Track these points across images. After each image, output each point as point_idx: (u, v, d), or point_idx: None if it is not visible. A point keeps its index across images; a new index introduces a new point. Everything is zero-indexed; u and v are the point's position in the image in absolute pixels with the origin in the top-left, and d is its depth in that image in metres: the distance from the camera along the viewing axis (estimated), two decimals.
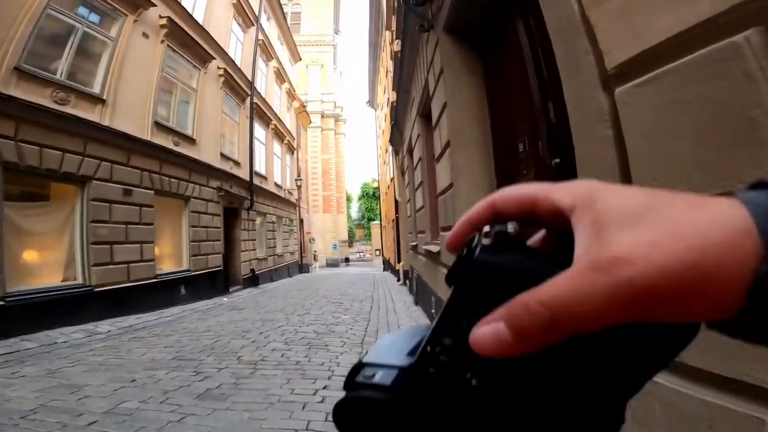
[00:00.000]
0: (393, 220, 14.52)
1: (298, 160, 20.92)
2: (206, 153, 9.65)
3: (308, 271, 20.17)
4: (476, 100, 3.30)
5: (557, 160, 1.97)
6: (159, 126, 7.92)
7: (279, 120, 16.67)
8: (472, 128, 3.24)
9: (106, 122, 6.59)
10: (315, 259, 24.63)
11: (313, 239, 25.25)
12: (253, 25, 14.02)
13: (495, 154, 3.03)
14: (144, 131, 7.44)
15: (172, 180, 8.22)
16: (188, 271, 8.67)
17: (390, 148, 12.79)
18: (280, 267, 15.55)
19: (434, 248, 5.04)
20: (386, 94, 13.90)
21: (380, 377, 0.19)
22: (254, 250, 12.84)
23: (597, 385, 0.17)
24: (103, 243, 6.41)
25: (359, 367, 0.20)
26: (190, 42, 9.30)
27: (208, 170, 9.71)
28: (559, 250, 0.18)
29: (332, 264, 28.78)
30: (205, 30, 10.06)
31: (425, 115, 6.19)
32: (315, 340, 4.81)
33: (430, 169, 6.05)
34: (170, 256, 8.42)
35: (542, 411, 0.17)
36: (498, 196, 0.20)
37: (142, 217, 7.21)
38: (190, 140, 9.09)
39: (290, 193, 18.43)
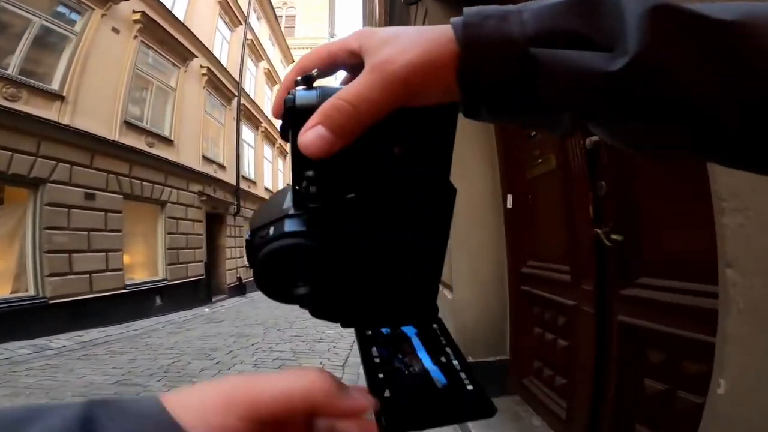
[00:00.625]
0: None
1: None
2: (186, 155, 9.06)
3: None
4: None
5: (594, 138, 1.36)
6: (130, 126, 7.34)
7: (270, 123, 16.12)
8: None
9: (65, 120, 6.01)
10: None
11: None
12: (241, 24, 13.50)
13: (498, 135, 2.46)
14: (111, 131, 6.85)
15: (145, 183, 7.62)
16: (164, 280, 8.04)
17: None
18: None
19: None
20: None
21: (274, 231, 0.22)
22: (241, 257, 12.19)
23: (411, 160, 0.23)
24: (60, 251, 5.80)
25: (251, 235, 0.23)
26: (167, 39, 8.76)
27: (187, 173, 9.12)
28: None
29: None
30: (185, 27, 9.52)
31: None
32: (290, 361, 4.18)
33: None
34: (143, 264, 7.80)
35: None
36: (303, 60, 0.26)
37: (108, 224, 6.60)
38: (167, 141, 8.51)
39: None
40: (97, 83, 6.71)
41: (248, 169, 13.77)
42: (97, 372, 3.92)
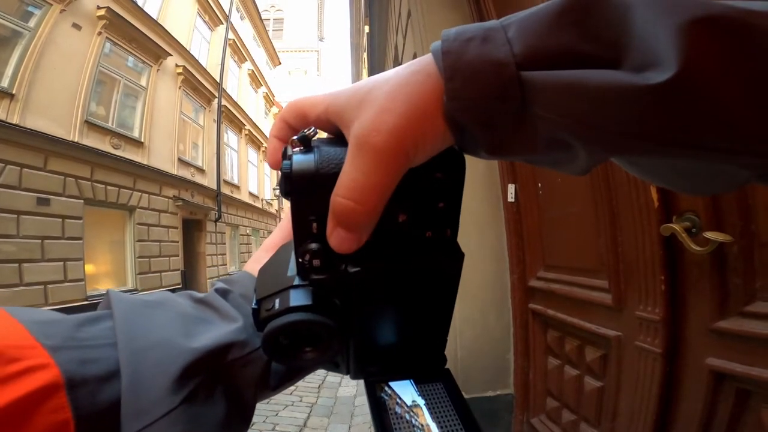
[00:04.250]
0: None
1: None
2: (158, 158, 8.48)
3: None
4: None
5: None
6: (92, 126, 6.76)
7: (254, 125, 15.58)
8: None
9: (14, 119, 5.43)
10: None
11: None
12: (222, 23, 12.99)
13: None
14: (69, 131, 6.27)
15: (110, 187, 7.02)
16: (134, 290, 7.41)
17: None
18: None
19: None
20: None
21: (280, 304, 0.22)
22: (224, 265, 11.60)
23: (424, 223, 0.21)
24: (7, 261, 5.19)
25: (257, 305, 0.23)
26: (137, 35, 8.21)
27: (160, 177, 8.52)
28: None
29: None
30: (158, 24, 8.99)
31: None
32: None
33: None
34: (109, 274, 7.18)
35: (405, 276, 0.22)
36: (285, 110, 0.25)
37: (65, 231, 6.00)
38: (136, 143, 7.92)
39: (269, 203, 17.25)
40: (54, 81, 6.15)
41: (231, 173, 13.19)
42: None
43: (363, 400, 3.13)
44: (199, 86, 11.01)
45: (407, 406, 0.22)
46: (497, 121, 0.18)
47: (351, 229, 0.19)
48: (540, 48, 0.17)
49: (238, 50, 14.38)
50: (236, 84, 14.38)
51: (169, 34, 9.41)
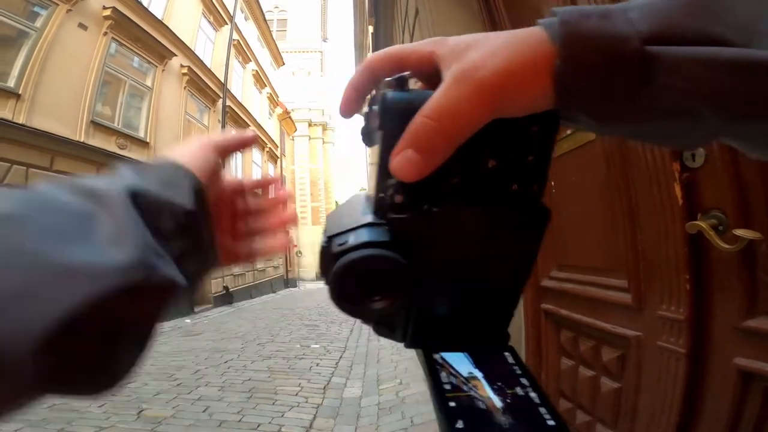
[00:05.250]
0: None
1: (282, 169, 19.83)
2: None
3: (296, 286, 18.91)
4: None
5: None
6: (98, 126, 6.81)
7: (258, 126, 15.62)
8: None
9: (20, 120, 5.47)
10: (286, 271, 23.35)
11: (300, 252, 24.10)
12: (227, 24, 13.04)
13: None
14: (75, 131, 6.31)
15: None
16: None
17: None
18: (261, 282, 14.31)
19: None
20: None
21: (355, 238, 0.20)
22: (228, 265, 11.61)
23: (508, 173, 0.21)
24: None
25: (327, 242, 0.21)
26: (143, 36, 8.27)
27: None
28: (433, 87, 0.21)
29: (321, 278, 27.35)
30: (163, 24, 9.04)
31: None
32: (264, 383, 3.63)
33: None
34: None
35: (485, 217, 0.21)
36: (371, 59, 0.23)
37: None
38: (142, 143, 7.97)
39: None
40: (60, 81, 6.20)
41: (235, 173, 13.20)
42: None
43: (369, 401, 3.11)
44: (204, 87, 11.06)
45: (464, 377, 0.21)
46: (613, 90, 0.18)
47: (422, 150, 0.19)
48: (666, 28, 0.18)
49: (242, 51, 14.44)
50: (240, 84, 14.43)
51: (174, 34, 9.45)
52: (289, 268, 19.56)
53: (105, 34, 7.42)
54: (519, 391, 0.20)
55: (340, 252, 0.20)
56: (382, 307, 0.21)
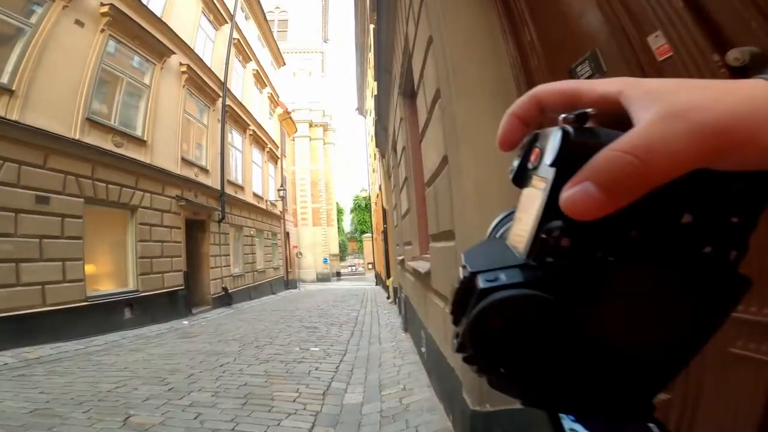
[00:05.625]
0: (382, 232, 13.26)
1: (282, 170, 19.69)
2: (161, 157, 8.38)
3: (296, 288, 18.74)
4: (481, 23, 2.03)
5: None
6: (93, 123, 6.67)
7: (259, 126, 15.48)
8: (475, 64, 1.89)
9: (13, 116, 5.33)
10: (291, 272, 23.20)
11: (301, 253, 23.93)
12: (227, 22, 12.93)
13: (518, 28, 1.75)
14: (70, 128, 6.17)
15: (111, 186, 6.91)
16: (135, 291, 7.29)
17: (377, 153, 11.62)
18: (261, 284, 14.15)
19: (422, 267, 3.34)
20: (373, 96, 12.84)
21: (507, 277, 0.18)
22: (228, 266, 11.47)
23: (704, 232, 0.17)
24: (5, 261, 5.07)
25: (472, 276, 0.18)
26: (141, 33, 8.14)
27: (163, 176, 8.42)
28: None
29: (323, 279, 27.27)
30: (162, 22, 8.92)
31: (408, 91, 4.98)
32: (259, 388, 3.47)
33: (415, 157, 4.79)
34: (110, 274, 7.07)
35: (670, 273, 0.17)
36: (539, 90, 0.20)
37: (65, 230, 5.88)
38: (139, 141, 7.83)
39: (273, 204, 17.13)
40: (55, 78, 6.08)
41: (235, 173, 13.08)
42: (18, 398, 3.20)
43: (371, 408, 2.94)
44: (204, 85, 10.93)
45: None
46: None
47: (606, 185, 0.15)
48: None
49: (242, 50, 14.32)
50: (241, 84, 14.30)
51: (173, 32, 9.34)
52: (289, 269, 19.38)
53: (102, 31, 7.30)
54: None
55: (490, 288, 0.18)
56: (517, 356, 0.18)
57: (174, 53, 9.36)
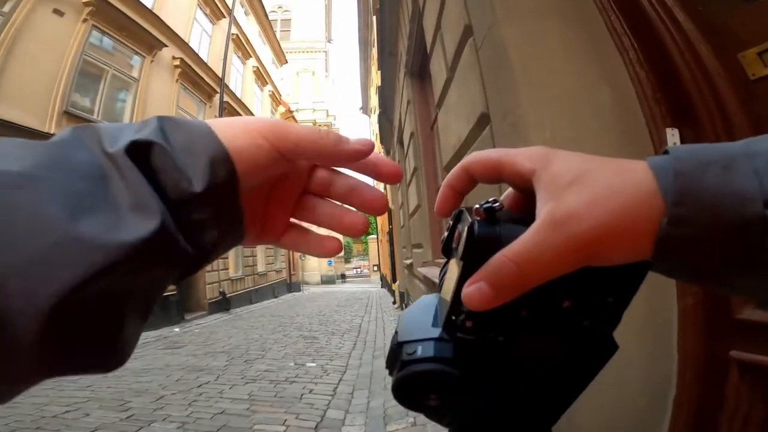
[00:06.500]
0: (387, 233, 12.66)
1: None
2: None
3: (299, 290, 18.18)
4: None
5: None
6: (72, 117, 6.14)
7: None
8: None
9: None
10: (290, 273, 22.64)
11: (304, 256, 23.38)
12: (224, 17, 12.44)
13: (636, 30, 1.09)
14: (44, 122, 5.64)
15: None
16: None
17: (382, 151, 11.04)
18: (262, 287, 13.60)
19: (437, 276, 2.74)
20: (377, 91, 12.28)
21: (422, 351, 0.23)
22: (226, 269, 10.92)
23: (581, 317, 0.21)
24: None
25: (399, 346, 0.24)
26: (128, 24, 7.64)
27: None
28: (526, 203, 0.22)
29: (327, 281, 26.69)
30: (152, 13, 8.42)
31: (416, 69, 4.38)
32: (238, 418, 2.86)
33: (426, 144, 4.17)
34: None
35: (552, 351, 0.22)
36: (469, 162, 0.23)
37: None
38: None
39: None
40: (29, 70, 5.61)
41: None
42: None
43: None
44: (199, 80, 10.43)
45: None
46: (723, 257, 0.17)
47: (495, 286, 0.19)
48: None
49: (241, 46, 13.82)
50: (240, 81, 13.81)
51: (165, 24, 8.83)
52: (292, 272, 18.81)
53: (85, 21, 6.81)
54: None
55: (408, 361, 0.23)
56: (435, 405, 0.23)
57: (166, 46, 8.85)
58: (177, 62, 9.36)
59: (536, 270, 0.19)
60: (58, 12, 6.34)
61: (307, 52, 30.03)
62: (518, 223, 0.20)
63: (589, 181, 0.19)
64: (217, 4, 11.92)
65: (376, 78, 12.68)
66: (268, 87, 16.77)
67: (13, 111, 5.23)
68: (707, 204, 0.17)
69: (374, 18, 9.25)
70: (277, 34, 19.38)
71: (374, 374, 3.86)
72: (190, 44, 10.07)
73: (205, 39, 11.43)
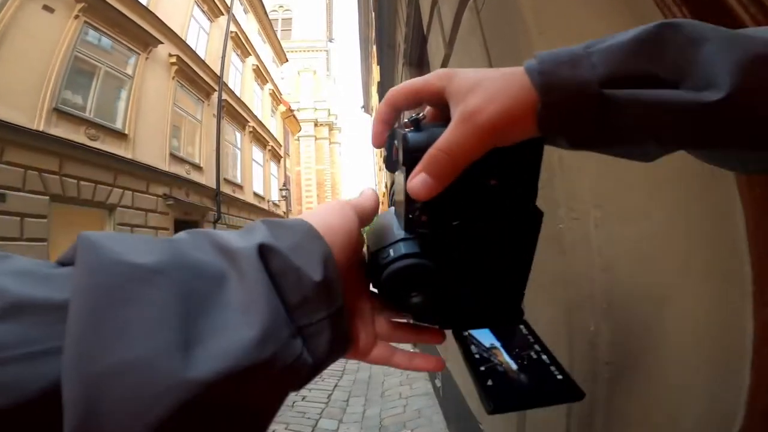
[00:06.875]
0: None
1: (286, 169, 18.99)
2: (146, 152, 7.67)
3: None
4: None
5: None
6: (63, 114, 5.97)
7: (259, 123, 14.82)
8: None
9: None
10: None
11: None
12: (223, 14, 12.29)
13: None
14: (33, 119, 5.48)
15: (84, 183, 6.20)
16: None
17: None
18: None
19: None
20: (377, 89, 12.03)
21: (393, 252, 0.26)
22: None
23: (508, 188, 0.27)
24: None
25: (373, 255, 0.27)
26: (122, 21, 7.48)
27: (148, 173, 7.71)
28: (441, 115, 0.27)
29: None
30: (147, 10, 8.26)
31: (415, 56, 4.17)
32: None
33: None
34: None
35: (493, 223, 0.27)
36: (391, 95, 0.29)
37: (25, 231, 5.18)
38: (119, 135, 7.13)
39: (276, 205, 16.43)
40: (16, 66, 5.43)
41: (233, 172, 12.39)
42: None
43: None
44: (197, 78, 10.26)
45: (486, 347, 0.27)
46: (580, 127, 0.24)
47: (434, 174, 0.24)
48: (618, 71, 0.23)
49: (240, 44, 13.65)
50: (239, 79, 13.64)
51: (161, 21, 8.67)
52: None
53: (77, 17, 6.65)
54: (533, 354, 0.26)
55: (384, 264, 0.26)
56: (419, 301, 0.27)
57: (161, 43, 8.68)
58: (173, 59, 9.20)
59: (461, 154, 0.24)
60: (47, 8, 6.19)
61: (309, 51, 29.87)
62: (441, 127, 0.25)
63: (485, 85, 0.25)
64: (215, 2, 11.77)
65: (376, 75, 12.45)
66: (269, 85, 16.61)
67: (2, 109, 5.07)
68: (564, 90, 0.23)
69: (374, 14, 9.03)
70: (278, 33, 19.22)
71: (372, 380, 3.66)
72: (187, 42, 9.91)
73: (203, 37, 11.27)
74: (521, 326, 0.29)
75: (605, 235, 0.68)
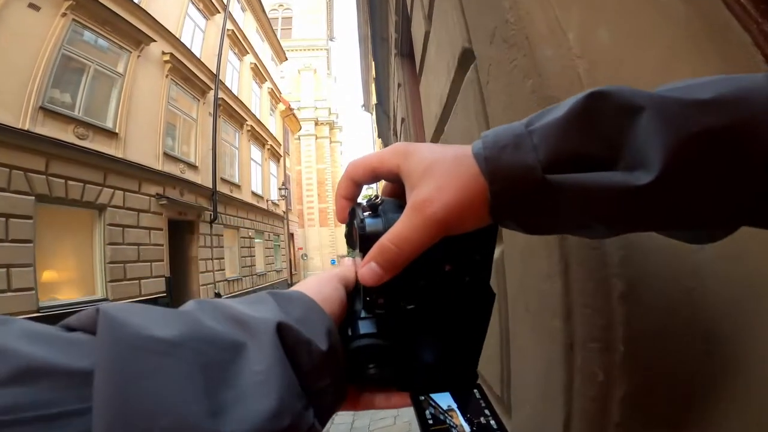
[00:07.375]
0: None
1: (285, 168, 18.82)
2: (137, 151, 7.51)
3: None
4: None
5: None
6: (49, 113, 5.81)
7: (258, 121, 14.65)
8: None
9: None
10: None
11: (306, 255, 23.10)
12: (219, 12, 12.11)
13: None
14: (18, 118, 5.32)
15: (72, 183, 6.04)
16: (104, 299, 6.41)
17: (382, 146, 10.66)
18: (261, 288, 13.28)
19: None
20: (373, 84, 11.85)
21: (352, 331, 0.28)
22: (221, 270, 10.60)
23: (458, 275, 0.28)
24: None
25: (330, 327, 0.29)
26: (112, 18, 7.31)
27: (139, 172, 7.55)
28: (401, 189, 0.28)
29: None
30: (139, 7, 8.09)
31: (406, 47, 3.97)
32: None
33: (417, 128, 3.78)
34: (73, 282, 6.19)
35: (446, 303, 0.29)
36: (350, 169, 0.30)
37: (10, 232, 5.01)
38: (109, 133, 6.96)
39: (275, 204, 16.27)
40: (0, 64, 5.26)
41: (230, 171, 12.23)
42: None
43: None
44: (192, 76, 10.09)
45: (443, 410, 0.28)
46: (530, 213, 0.24)
47: (382, 265, 0.25)
48: (557, 153, 0.23)
49: (238, 42, 13.48)
50: (237, 77, 13.46)
51: (153, 18, 8.50)
52: (293, 272, 18.49)
53: (64, 15, 6.49)
54: (482, 420, 0.27)
55: (351, 338, 0.28)
56: (375, 373, 0.28)
57: (154, 41, 8.52)
58: (167, 57, 9.03)
59: (409, 246, 0.25)
60: (33, 6, 6.04)
61: (309, 50, 29.69)
62: (396, 211, 0.27)
63: (435, 171, 0.25)
64: (211, 0, 11.60)
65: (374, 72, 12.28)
66: (267, 84, 16.43)
67: None
68: (509, 177, 0.23)
69: (368, 7, 8.84)
70: (278, 32, 19.06)
71: None
72: (181, 39, 9.74)
73: (199, 35, 11.10)
74: (475, 390, 0.29)
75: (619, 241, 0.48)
